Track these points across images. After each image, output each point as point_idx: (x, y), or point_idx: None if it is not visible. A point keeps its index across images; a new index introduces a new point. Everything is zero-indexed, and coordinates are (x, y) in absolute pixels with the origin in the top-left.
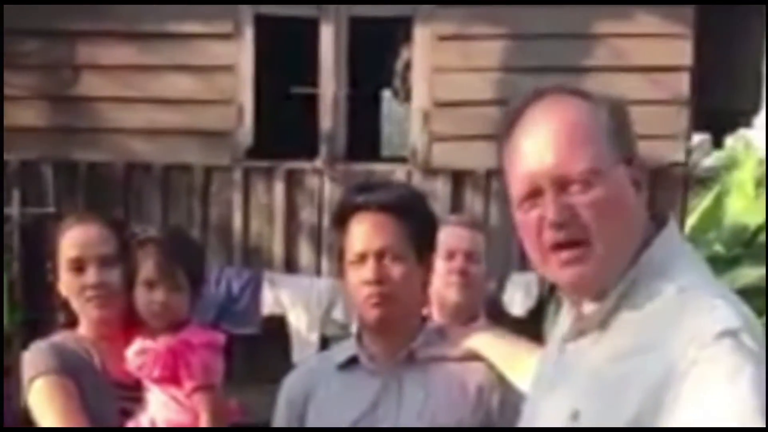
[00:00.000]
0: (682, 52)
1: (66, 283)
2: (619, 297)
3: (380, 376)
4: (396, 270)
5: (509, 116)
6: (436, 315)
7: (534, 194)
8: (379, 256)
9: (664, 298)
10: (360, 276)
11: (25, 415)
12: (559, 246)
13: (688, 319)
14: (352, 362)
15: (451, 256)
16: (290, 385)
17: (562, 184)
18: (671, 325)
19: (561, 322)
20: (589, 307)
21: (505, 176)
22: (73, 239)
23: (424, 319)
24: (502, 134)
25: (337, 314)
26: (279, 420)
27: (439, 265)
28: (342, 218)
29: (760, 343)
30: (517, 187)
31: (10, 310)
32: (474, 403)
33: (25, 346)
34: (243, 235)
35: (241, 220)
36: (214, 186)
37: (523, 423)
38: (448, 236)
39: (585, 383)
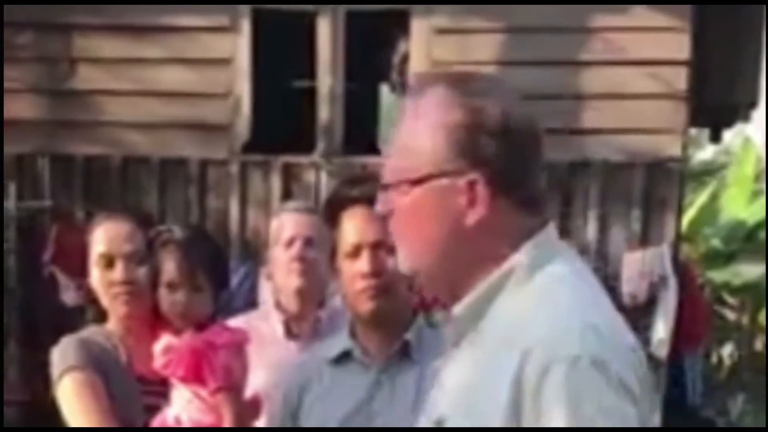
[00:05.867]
0: (680, 46)
1: (95, 279)
2: (481, 298)
3: (373, 369)
4: (391, 262)
5: None
6: (284, 303)
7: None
8: (375, 248)
9: (523, 299)
10: (355, 268)
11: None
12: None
13: (538, 324)
14: (344, 356)
15: (290, 243)
16: (284, 381)
17: (384, 186)
18: (523, 328)
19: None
20: (457, 310)
21: None
22: (102, 235)
23: (415, 312)
24: None
25: None
26: (273, 416)
27: (280, 253)
28: (334, 212)
29: (609, 355)
30: None
31: (7, 303)
32: None
33: (21, 338)
34: (240, 229)
35: (237, 214)
36: (211, 179)
37: None
38: (286, 223)
39: (454, 388)
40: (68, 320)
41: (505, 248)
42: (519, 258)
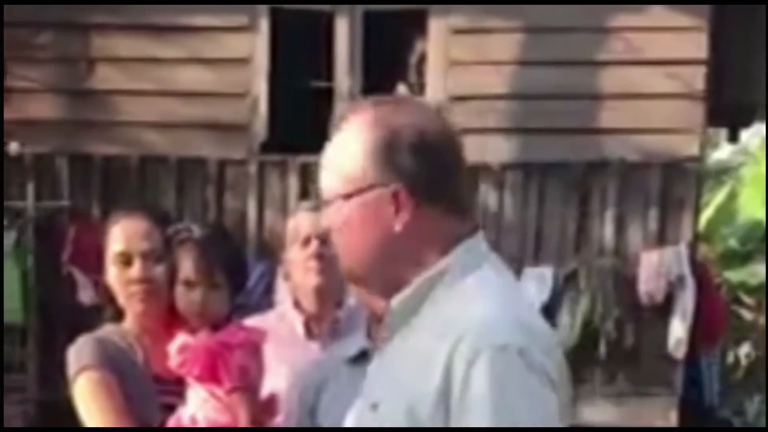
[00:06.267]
0: (698, 46)
1: (112, 277)
2: (415, 296)
3: None
4: None
5: None
6: (303, 303)
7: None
8: None
9: (455, 296)
10: None
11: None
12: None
13: (469, 315)
14: (362, 356)
15: (307, 241)
16: (301, 380)
17: (325, 202)
18: (455, 320)
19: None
20: (393, 304)
21: None
22: (119, 233)
23: None
24: None
25: None
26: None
27: (297, 252)
28: None
29: (533, 345)
30: None
31: (24, 302)
32: None
33: (39, 337)
34: (257, 229)
35: (255, 214)
36: (229, 179)
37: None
38: (303, 222)
39: (387, 379)
40: (86, 319)
41: (434, 252)
42: (450, 261)
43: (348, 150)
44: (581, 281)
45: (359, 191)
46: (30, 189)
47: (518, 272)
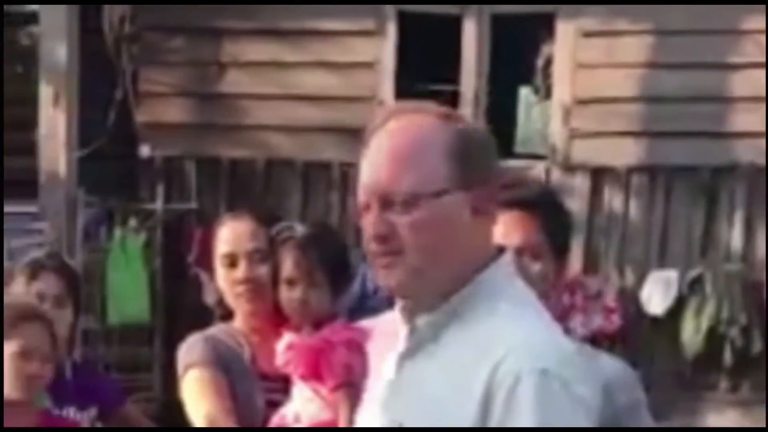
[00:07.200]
0: None
1: (220, 278)
2: (450, 312)
3: None
4: (535, 267)
5: (367, 134)
6: None
7: (366, 208)
8: (518, 253)
9: (494, 316)
10: None
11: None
12: (378, 254)
13: (511, 337)
14: None
15: None
16: None
17: (385, 202)
18: (496, 340)
19: (401, 338)
20: (421, 321)
21: None
22: (225, 235)
23: None
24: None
25: None
26: None
27: None
28: None
29: (576, 376)
30: (357, 200)
31: (152, 302)
32: None
33: (165, 337)
34: None
35: None
36: (353, 183)
37: None
38: None
39: (413, 397)
40: (211, 321)
41: (473, 267)
42: (484, 277)
43: (424, 150)
44: (707, 286)
45: (444, 192)
46: (160, 191)
47: (643, 276)
